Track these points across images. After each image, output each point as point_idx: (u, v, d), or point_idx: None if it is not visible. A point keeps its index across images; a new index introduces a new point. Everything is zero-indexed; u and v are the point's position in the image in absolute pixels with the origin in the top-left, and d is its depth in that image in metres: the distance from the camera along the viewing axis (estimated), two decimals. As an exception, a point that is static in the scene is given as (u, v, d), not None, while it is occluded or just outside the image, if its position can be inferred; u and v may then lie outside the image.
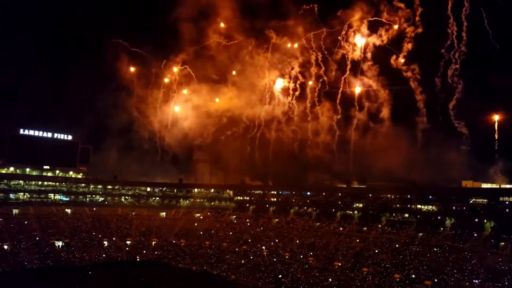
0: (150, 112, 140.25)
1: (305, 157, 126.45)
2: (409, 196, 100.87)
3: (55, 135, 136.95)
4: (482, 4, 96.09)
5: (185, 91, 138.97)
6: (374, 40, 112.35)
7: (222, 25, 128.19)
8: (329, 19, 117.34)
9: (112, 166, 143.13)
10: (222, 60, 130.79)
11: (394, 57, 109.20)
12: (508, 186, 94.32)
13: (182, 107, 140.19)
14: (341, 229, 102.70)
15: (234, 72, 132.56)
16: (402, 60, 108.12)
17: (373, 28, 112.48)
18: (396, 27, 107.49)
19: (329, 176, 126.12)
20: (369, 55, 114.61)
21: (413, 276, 74.56)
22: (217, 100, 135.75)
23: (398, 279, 74.29)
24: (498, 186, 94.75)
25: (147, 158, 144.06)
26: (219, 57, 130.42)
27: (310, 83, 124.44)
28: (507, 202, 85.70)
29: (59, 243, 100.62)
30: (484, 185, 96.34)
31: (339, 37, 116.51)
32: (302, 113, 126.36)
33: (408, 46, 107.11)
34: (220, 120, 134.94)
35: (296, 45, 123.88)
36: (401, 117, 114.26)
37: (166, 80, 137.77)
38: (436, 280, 71.35)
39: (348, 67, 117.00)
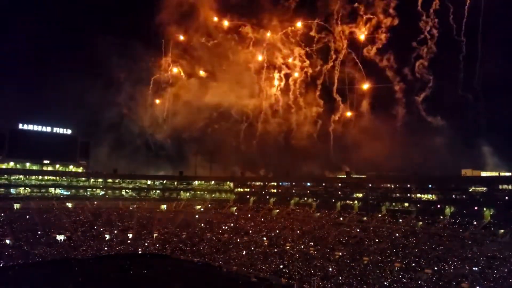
0: (143, 107, 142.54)
1: (296, 147, 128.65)
2: (408, 185, 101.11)
3: (54, 129, 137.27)
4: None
5: (175, 87, 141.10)
6: (354, 30, 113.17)
7: (215, 19, 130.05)
8: (308, 11, 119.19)
9: (111, 160, 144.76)
10: (209, 57, 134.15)
11: (369, 47, 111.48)
12: (507, 174, 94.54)
13: (175, 102, 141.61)
14: (341, 219, 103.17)
15: (221, 68, 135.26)
16: (374, 51, 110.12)
17: (353, 18, 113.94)
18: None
19: (321, 165, 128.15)
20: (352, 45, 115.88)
21: (413, 264, 75.04)
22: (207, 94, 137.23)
23: (398, 268, 74.77)
24: (498, 174, 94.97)
25: (142, 152, 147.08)
26: (205, 54, 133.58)
27: (296, 74, 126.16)
28: (506, 190, 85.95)
29: (61, 237, 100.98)
30: (484, 173, 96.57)
31: (311, 33, 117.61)
32: (291, 104, 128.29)
33: (383, 36, 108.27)
34: (211, 114, 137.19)
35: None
36: (385, 108, 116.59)
37: (157, 76, 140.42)
38: (436, 268, 71.81)
39: (332, 58, 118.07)
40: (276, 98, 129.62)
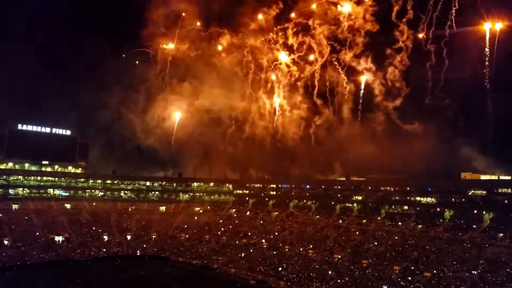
0: (139, 111, 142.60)
1: (288, 150, 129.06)
2: (408, 188, 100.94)
3: (54, 130, 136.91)
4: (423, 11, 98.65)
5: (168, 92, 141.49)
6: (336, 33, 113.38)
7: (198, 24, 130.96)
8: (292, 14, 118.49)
9: (110, 161, 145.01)
10: (195, 64, 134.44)
11: (345, 51, 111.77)
12: (507, 177, 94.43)
13: (167, 106, 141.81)
14: (340, 221, 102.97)
15: (209, 74, 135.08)
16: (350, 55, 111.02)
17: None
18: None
19: (315, 168, 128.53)
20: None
21: (413, 268, 74.84)
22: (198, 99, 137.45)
23: (397, 271, 74.61)
24: (497, 178, 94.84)
25: (140, 154, 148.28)
26: (191, 61, 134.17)
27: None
28: (505, 194, 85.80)
29: (59, 238, 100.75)
30: (483, 177, 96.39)
31: (294, 37, 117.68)
32: (281, 108, 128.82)
33: (360, 41, 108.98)
34: (203, 118, 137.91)
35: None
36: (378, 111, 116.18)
37: (149, 82, 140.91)
38: (435, 271, 71.62)
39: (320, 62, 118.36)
40: (264, 102, 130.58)
